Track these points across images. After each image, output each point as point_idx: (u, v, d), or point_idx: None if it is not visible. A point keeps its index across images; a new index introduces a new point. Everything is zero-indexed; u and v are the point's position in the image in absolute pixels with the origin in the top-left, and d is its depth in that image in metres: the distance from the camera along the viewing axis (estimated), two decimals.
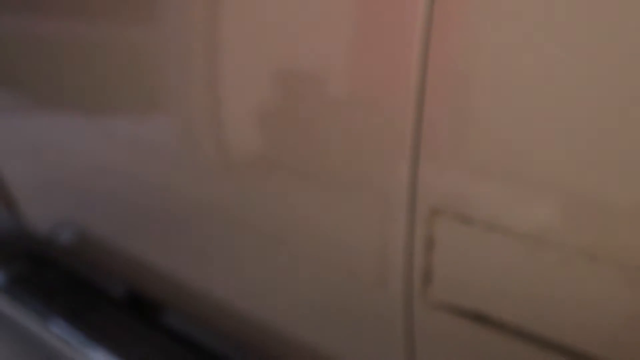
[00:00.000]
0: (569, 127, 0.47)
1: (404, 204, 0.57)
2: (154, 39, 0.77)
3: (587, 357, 0.51)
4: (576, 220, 0.49)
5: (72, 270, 1.16)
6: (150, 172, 0.84)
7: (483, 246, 0.54)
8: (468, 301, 0.56)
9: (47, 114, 0.96)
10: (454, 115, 0.53)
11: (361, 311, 0.67)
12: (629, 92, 0.44)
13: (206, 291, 0.87)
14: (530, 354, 0.54)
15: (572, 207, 0.48)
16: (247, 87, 0.68)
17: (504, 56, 0.49)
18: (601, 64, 0.45)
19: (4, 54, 0.99)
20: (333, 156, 0.62)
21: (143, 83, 0.79)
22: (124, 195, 0.92)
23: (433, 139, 0.54)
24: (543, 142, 0.48)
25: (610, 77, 0.45)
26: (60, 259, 1.20)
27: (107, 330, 1.00)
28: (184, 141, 0.77)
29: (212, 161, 0.75)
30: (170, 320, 1.10)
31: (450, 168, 0.54)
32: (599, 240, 0.48)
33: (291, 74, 0.64)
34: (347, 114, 0.60)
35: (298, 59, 0.63)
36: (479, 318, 0.56)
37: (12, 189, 1.11)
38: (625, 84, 0.44)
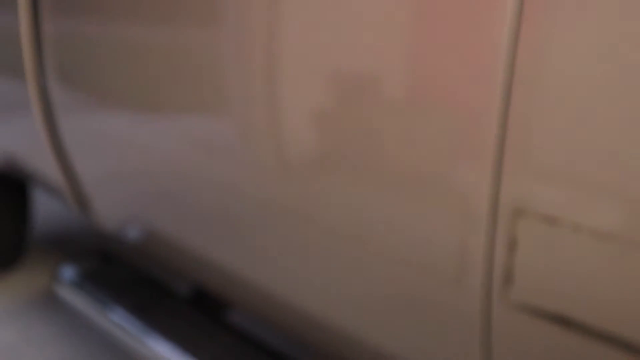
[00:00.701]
0: None
1: (487, 203, 0.57)
2: (220, 43, 0.79)
3: None
4: None
5: (140, 267, 1.19)
6: (216, 171, 0.86)
7: (568, 247, 0.53)
8: (550, 303, 0.56)
9: (119, 114, 1.00)
10: (539, 115, 0.52)
11: (438, 311, 0.66)
12: None
13: (272, 290, 0.88)
14: None
15: None
16: (327, 89, 0.69)
17: (591, 58, 0.49)
18: None
19: (79, 55, 1.03)
20: (415, 155, 0.62)
21: (209, 85, 0.82)
22: (190, 194, 0.94)
23: (518, 139, 0.54)
24: (632, 141, 0.48)
25: None
26: (129, 255, 1.23)
27: (173, 325, 1.02)
28: (253, 140, 0.79)
29: (283, 159, 0.76)
30: (234, 318, 1.12)
31: (535, 168, 0.54)
32: None
33: (373, 75, 0.65)
34: (431, 113, 0.61)
35: (379, 59, 0.64)
36: (562, 321, 0.55)
37: (85, 188, 1.14)
38: None
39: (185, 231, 0.99)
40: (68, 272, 1.16)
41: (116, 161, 1.05)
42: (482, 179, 0.57)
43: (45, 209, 1.86)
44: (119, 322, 1.03)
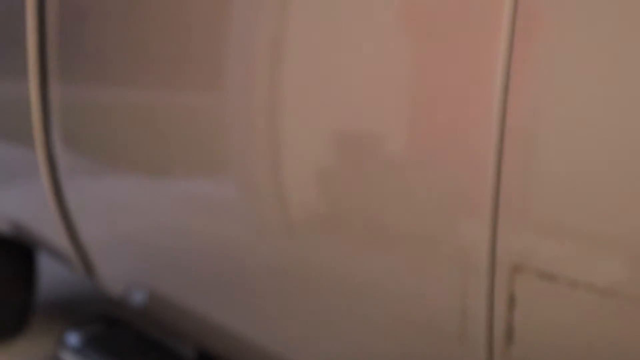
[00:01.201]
0: None
1: (484, 260, 0.57)
2: (223, 108, 0.82)
3: None
4: None
5: (145, 330, 1.18)
6: (220, 235, 0.87)
7: (566, 303, 0.53)
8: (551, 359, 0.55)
9: (123, 179, 1.01)
10: (533, 172, 0.54)
11: None
12: None
13: (277, 353, 0.87)
14: None
15: None
16: (317, 147, 0.70)
17: (586, 108, 0.50)
18: None
19: (85, 122, 1.05)
20: (413, 213, 0.63)
21: (213, 150, 0.83)
22: (194, 258, 0.94)
23: (512, 196, 0.55)
24: (629, 197, 0.48)
25: None
26: (134, 319, 1.22)
27: None
28: (253, 203, 0.80)
29: (286, 219, 0.77)
30: None
31: (531, 224, 0.55)
32: None
33: (363, 133, 0.66)
34: (424, 172, 0.62)
35: (369, 118, 0.65)
36: None
37: (90, 253, 1.15)
38: None
39: (189, 295, 0.99)
40: (73, 337, 1.16)
41: (121, 226, 1.06)
42: (480, 235, 0.57)
43: (50, 274, 1.86)
44: None
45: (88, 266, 1.19)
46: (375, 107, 0.64)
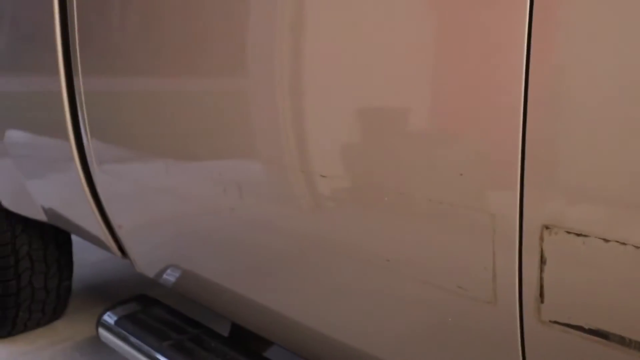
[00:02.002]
0: None
1: (514, 221, 0.58)
2: (248, 90, 0.83)
3: None
4: None
5: (180, 308, 1.22)
6: (249, 212, 0.89)
7: (598, 261, 0.54)
8: (584, 318, 0.56)
9: (152, 163, 1.04)
10: (560, 132, 0.54)
11: (472, 331, 0.67)
12: None
13: (310, 325, 0.89)
14: None
15: None
16: (344, 123, 0.71)
17: (611, 74, 0.51)
18: None
19: (113, 111, 1.08)
20: (442, 182, 0.64)
21: (236, 129, 0.85)
22: (224, 236, 0.96)
23: (539, 158, 0.55)
24: None
25: None
26: (168, 298, 1.26)
27: None
28: (284, 180, 0.82)
29: (315, 195, 0.78)
30: (274, 355, 1.13)
31: (560, 184, 0.55)
32: None
33: (389, 106, 0.68)
34: (451, 141, 0.63)
35: (394, 91, 0.67)
36: (598, 335, 0.55)
37: (122, 235, 1.19)
38: None
39: (221, 271, 1.01)
40: (111, 316, 1.20)
41: (152, 209, 1.09)
42: (508, 198, 0.58)
43: (86, 257, 1.92)
44: None
45: (122, 249, 1.23)
46: (399, 80, 0.65)
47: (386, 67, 0.66)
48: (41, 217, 1.41)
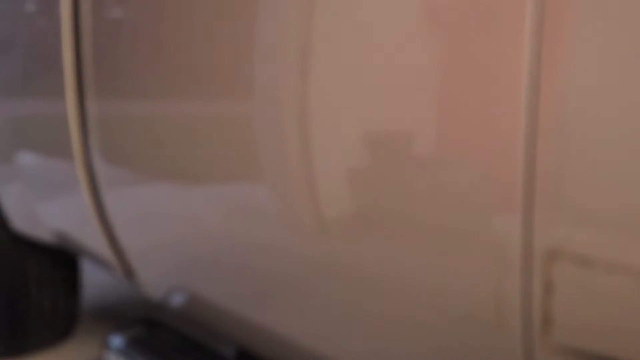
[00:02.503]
0: None
1: (520, 248, 0.58)
2: (251, 111, 0.84)
3: None
4: None
5: (186, 332, 1.22)
6: (255, 236, 0.89)
7: (605, 287, 0.53)
8: (592, 345, 0.55)
9: (160, 186, 1.05)
10: (565, 160, 0.54)
11: (477, 358, 0.67)
12: None
13: (316, 351, 0.88)
14: None
15: None
16: (348, 148, 0.72)
17: (618, 97, 0.50)
18: None
19: (122, 133, 1.09)
20: (447, 207, 0.64)
21: (244, 153, 0.85)
22: (231, 259, 0.96)
23: (545, 184, 0.55)
24: None
25: None
26: (174, 321, 1.26)
27: None
28: (287, 205, 0.82)
29: (320, 219, 0.78)
30: None
31: (567, 210, 0.55)
32: None
33: (393, 132, 0.68)
34: (455, 167, 0.63)
35: (398, 117, 0.67)
36: None
37: (131, 259, 1.19)
38: None
39: (227, 294, 1.01)
40: (116, 339, 1.20)
41: (159, 232, 1.10)
42: (514, 224, 0.57)
43: (93, 279, 1.92)
44: None
45: (129, 271, 1.23)
46: (403, 106, 0.65)
47: (390, 91, 0.66)
48: (50, 239, 1.42)
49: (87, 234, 1.27)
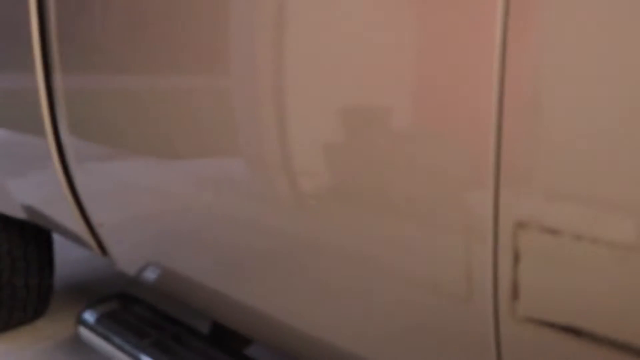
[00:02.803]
0: None
1: (488, 218, 0.58)
2: (228, 84, 0.83)
3: None
4: None
5: (161, 306, 1.21)
6: (228, 209, 0.88)
7: (571, 258, 0.54)
8: (558, 315, 0.56)
9: (131, 160, 1.03)
10: (533, 133, 0.54)
11: (448, 329, 0.67)
12: None
13: (289, 323, 0.89)
14: None
15: None
16: (323, 122, 0.71)
17: (583, 71, 0.51)
18: None
19: (90, 107, 1.07)
20: (419, 179, 0.64)
21: (219, 126, 0.84)
22: (204, 233, 0.96)
23: (514, 156, 0.56)
24: (629, 150, 0.49)
25: None
26: (149, 296, 1.25)
27: None
28: (264, 176, 0.82)
29: (294, 192, 0.78)
30: (255, 353, 1.13)
31: (534, 181, 0.55)
32: None
33: (366, 108, 0.67)
34: (427, 140, 0.63)
35: (371, 92, 0.67)
36: (570, 332, 0.56)
37: (102, 233, 1.18)
38: None
39: (201, 269, 1.01)
40: (91, 315, 1.19)
41: (131, 207, 1.09)
42: (483, 196, 0.58)
43: (66, 255, 1.90)
44: None
45: (102, 247, 1.22)
46: (377, 80, 0.65)
47: (364, 67, 0.66)
48: (20, 214, 1.40)
49: (58, 210, 1.25)
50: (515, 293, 0.59)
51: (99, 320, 1.16)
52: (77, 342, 1.49)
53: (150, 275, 1.12)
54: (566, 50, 0.52)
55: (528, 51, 0.54)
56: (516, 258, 0.57)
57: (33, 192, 1.33)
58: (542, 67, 0.53)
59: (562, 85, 0.52)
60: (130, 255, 1.17)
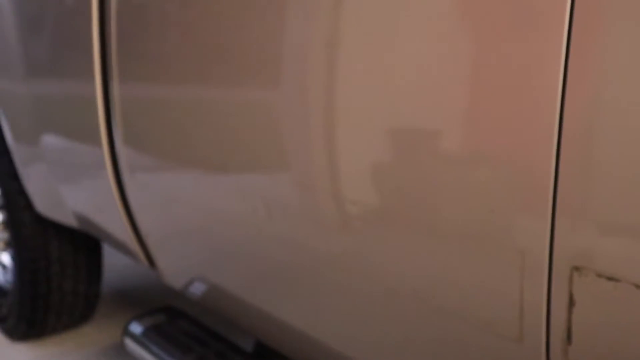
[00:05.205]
0: None
1: (543, 260, 0.57)
2: (279, 104, 0.82)
3: None
4: None
5: (205, 322, 1.21)
6: (277, 229, 0.88)
7: (626, 305, 0.52)
8: None
9: (183, 175, 1.04)
10: (592, 172, 0.53)
11: None
12: None
13: (333, 346, 0.87)
14: None
15: None
16: (374, 145, 0.69)
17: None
18: None
19: (146, 119, 1.08)
20: (467, 212, 0.63)
21: (268, 143, 0.84)
22: (252, 251, 0.95)
23: (571, 196, 0.54)
24: None
25: None
26: (194, 311, 1.25)
27: None
28: (310, 198, 0.80)
29: (342, 216, 0.77)
30: None
31: (592, 224, 0.53)
32: None
33: (420, 130, 0.65)
34: (482, 171, 0.61)
35: (426, 114, 0.64)
36: None
37: (151, 245, 1.18)
38: None
39: (246, 286, 1.00)
40: (136, 326, 1.20)
41: (181, 220, 1.09)
42: (539, 235, 0.56)
43: (116, 265, 1.93)
44: None
45: (150, 258, 1.22)
46: (433, 105, 0.64)
47: (419, 89, 0.65)
48: (72, 222, 1.42)
49: (109, 219, 1.27)
50: (568, 338, 0.57)
51: (144, 332, 1.17)
52: (121, 350, 1.50)
53: (196, 289, 1.12)
54: (629, 77, 0.50)
55: (589, 77, 0.52)
56: (571, 302, 0.55)
57: (85, 200, 1.35)
58: (604, 95, 0.51)
59: (625, 116, 0.50)
60: (176, 268, 1.17)
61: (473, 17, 0.60)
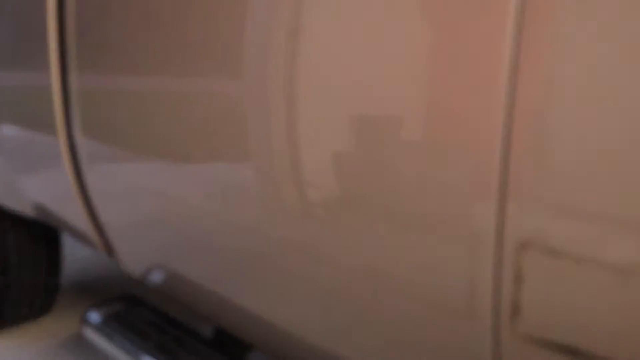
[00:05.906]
0: None
1: (492, 238, 0.59)
2: (240, 92, 0.83)
3: None
4: None
5: (164, 309, 1.22)
6: (235, 215, 0.89)
7: (573, 279, 0.54)
8: (558, 335, 0.56)
9: (141, 163, 1.04)
10: (540, 152, 0.54)
11: (448, 346, 0.67)
12: None
13: (292, 331, 0.89)
14: None
15: None
16: (333, 132, 0.71)
17: (595, 92, 0.51)
18: None
19: (104, 108, 1.08)
20: (420, 194, 0.64)
21: (229, 133, 0.85)
22: (211, 238, 0.96)
23: (520, 175, 0.56)
24: (634, 170, 0.49)
25: None
26: (153, 298, 1.26)
27: None
28: (270, 186, 0.82)
29: (301, 203, 0.78)
30: (256, 359, 1.13)
31: (538, 202, 0.55)
32: None
33: (375, 117, 0.68)
34: (433, 154, 0.63)
35: (381, 102, 0.67)
36: (569, 352, 0.56)
37: (110, 234, 1.19)
38: None
39: (206, 273, 1.01)
40: (95, 315, 1.20)
41: (139, 208, 1.09)
42: (488, 213, 0.58)
43: (76, 256, 1.91)
44: None
45: (109, 247, 1.22)
46: (389, 93, 0.65)
47: (373, 76, 0.66)
48: (30, 212, 1.41)
49: (67, 209, 1.26)
50: (516, 312, 0.59)
51: (103, 320, 1.16)
52: (81, 342, 1.50)
53: (155, 277, 1.12)
54: (578, 63, 0.51)
55: (539, 64, 0.54)
56: (518, 278, 0.57)
57: (43, 190, 1.34)
58: (553, 80, 0.53)
59: (573, 101, 0.52)
60: (136, 256, 1.17)
61: (426, 7, 0.61)
